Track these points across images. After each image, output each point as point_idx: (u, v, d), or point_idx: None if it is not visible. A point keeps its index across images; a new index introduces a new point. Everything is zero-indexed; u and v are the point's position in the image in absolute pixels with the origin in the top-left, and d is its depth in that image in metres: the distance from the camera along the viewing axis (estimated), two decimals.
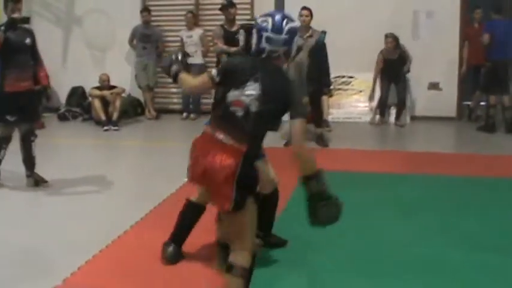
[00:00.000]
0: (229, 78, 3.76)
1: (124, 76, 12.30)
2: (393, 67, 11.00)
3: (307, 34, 9.20)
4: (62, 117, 12.15)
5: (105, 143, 10.42)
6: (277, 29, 3.68)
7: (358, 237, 5.58)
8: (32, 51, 7.17)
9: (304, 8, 9.31)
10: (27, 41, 7.08)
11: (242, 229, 3.75)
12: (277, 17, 3.72)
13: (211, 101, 4.99)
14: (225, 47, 8.94)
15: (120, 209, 6.55)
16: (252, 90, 3.65)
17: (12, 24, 6.97)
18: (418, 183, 7.26)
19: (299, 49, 9.15)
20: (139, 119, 12.11)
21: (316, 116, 9.63)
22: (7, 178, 7.40)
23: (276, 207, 5.22)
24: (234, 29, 9.14)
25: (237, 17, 11.51)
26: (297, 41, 9.07)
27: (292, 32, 3.72)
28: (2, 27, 6.90)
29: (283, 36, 3.68)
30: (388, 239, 5.52)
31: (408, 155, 8.79)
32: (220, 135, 3.66)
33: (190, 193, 4.99)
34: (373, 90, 11.27)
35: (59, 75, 12.66)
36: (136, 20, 12.03)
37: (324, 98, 10.47)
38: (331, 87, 10.97)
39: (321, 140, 9.42)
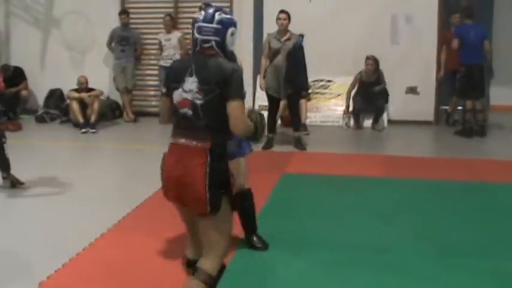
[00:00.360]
0: (173, 81, 3.77)
1: (103, 78, 12.25)
2: (368, 88, 11.10)
3: (285, 37, 9.23)
4: (40, 119, 12.08)
5: (83, 145, 10.40)
6: (207, 18, 3.67)
7: (334, 239, 5.63)
8: None
9: (282, 11, 9.32)
10: None
11: (215, 234, 3.68)
12: (210, 9, 3.72)
13: None
14: None
15: (98, 212, 6.53)
16: (190, 84, 3.64)
17: None
18: (396, 186, 7.31)
19: (276, 52, 9.22)
20: (118, 121, 12.07)
21: (294, 119, 9.67)
22: None
23: (253, 207, 5.30)
24: None
25: None
26: (274, 44, 9.16)
27: (225, 23, 3.67)
28: None
29: (214, 25, 3.65)
30: (363, 243, 5.55)
31: (385, 159, 8.84)
32: (182, 140, 3.67)
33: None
34: (347, 107, 11.34)
35: (37, 78, 12.70)
36: (116, 22, 12.00)
37: (302, 101, 10.50)
38: (310, 90, 11.01)
39: (299, 144, 9.45)
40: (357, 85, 11.23)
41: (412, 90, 11.62)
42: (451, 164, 8.49)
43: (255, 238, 5.36)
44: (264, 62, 9.43)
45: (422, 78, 11.52)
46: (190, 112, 3.64)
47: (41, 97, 12.74)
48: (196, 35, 3.71)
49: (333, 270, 4.96)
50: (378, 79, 11.12)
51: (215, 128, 3.63)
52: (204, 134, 3.61)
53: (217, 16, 3.68)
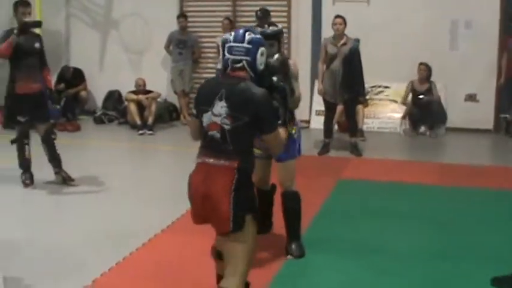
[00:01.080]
0: (202, 104, 3.81)
1: (160, 81, 12.33)
2: (420, 103, 11.00)
3: (341, 42, 9.16)
4: (98, 121, 12.23)
5: (139, 146, 10.51)
6: (238, 38, 3.78)
7: (387, 246, 5.56)
8: (40, 55, 7.39)
9: (337, 16, 9.27)
10: (37, 45, 7.35)
11: (237, 253, 3.72)
12: (239, 30, 3.85)
13: None
14: None
15: (152, 212, 6.60)
16: (219, 109, 3.69)
17: (25, 28, 7.14)
18: (452, 195, 7.18)
19: (333, 57, 9.15)
20: (174, 123, 12.13)
21: (351, 125, 9.60)
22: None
23: (299, 211, 5.31)
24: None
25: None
26: (331, 49, 9.11)
27: (255, 43, 3.78)
28: (15, 31, 7.07)
29: (245, 45, 3.75)
30: (417, 250, 5.48)
31: (441, 167, 8.66)
32: (210, 159, 3.74)
33: None
34: (405, 114, 11.24)
35: (95, 79, 12.85)
36: (173, 25, 12.08)
37: (359, 107, 10.42)
38: (367, 96, 10.92)
39: (355, 149, 9.36)
40: (410, 94, 11.09)
41: (471, 97, 11.38)
42: (510, 173, 8.28)
43: (293, 246, 5.29)
44: (321, 67, 9.39)
45: (482, 85, 11.28)
46: (218, 135, 3.71)
47: (99, 98, 12.90)
48: (227, 55, 3.80)
49: (383, 277, 4.91)
50: (429, 88, 10.95)
51: (241, 151, 3.71)
52: (231, 155, 3.68)
53: (247, 36, 3.78)
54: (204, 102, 3.77)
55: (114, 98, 12.64)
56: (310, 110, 11.65)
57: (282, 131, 4.29)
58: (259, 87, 3.72)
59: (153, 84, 11.96)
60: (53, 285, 4.81)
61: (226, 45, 3.80)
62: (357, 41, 9.20)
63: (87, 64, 12.81)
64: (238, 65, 3.77)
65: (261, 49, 3.80)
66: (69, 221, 6.38)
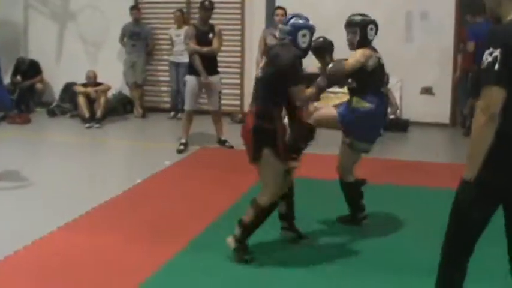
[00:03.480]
0: None
1: (116, 73, 12.14)
2: None
3: None
4: (51, 113, 12.07)
5: (82, 139, 10.28)
6: (285, 22, 5.01)
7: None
8: None
9: (278, 7, 9.16)
10: None
11: (263, 178, 4.87)
12: (290, 15, 5.06)
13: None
14: (197, 47, 8.69)
15: (54, 208, 6.43)
16: (263, 62, 4.99)
17: None
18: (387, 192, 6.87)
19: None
20: (127, 116, 11.96)
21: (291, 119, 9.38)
22: None
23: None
24: (206, 28, 8.87)
25: (228, 16, 11.37)
26: (270, 40, 8.96)
27: (294, 26, 4.87)
28: None
29: (287, 27, 4.89)
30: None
31: (388, 163, 8.40)
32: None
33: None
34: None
35: (53, 71, 12.70)
36: (128, 17, 11.89)
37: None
38: None
39: None
40: None
41: (427, 90, 11.15)
42: (457, 171, 7.93)
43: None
44: (260, 59, 9.13)
45: (438, 78, 11.04)
46: (254, 83, 5.01)
47: (57, 90, 12.73)
48: (278, 34, 5.20)
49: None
50: None
51: (263, 97, 4.82)
52: (256, 101, 4.88)
53: (291, 20, 4.94)
54: None
55: (71, 90, 12.46)
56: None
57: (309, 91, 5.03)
58: (289, 51, 4.77)
59: (109, 76, 11.82)
60: None
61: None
62: None
63: (44, 56, 12.66)
64: (285, 41, 4.92)
65: (302, 31, 4.86)
66: None
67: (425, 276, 3.94)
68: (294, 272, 4.84)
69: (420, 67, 10.99)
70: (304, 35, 4.84)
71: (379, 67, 5.51)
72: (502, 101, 3.05)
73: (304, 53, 4.90)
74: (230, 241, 4.94)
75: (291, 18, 4.92)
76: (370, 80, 5.41)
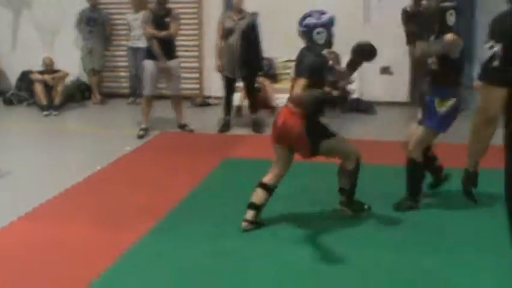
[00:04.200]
0: None
1: (73, 60, 11.96)
2: None
3: (239, 16, 8.92)
4: (7, 102, 11.90)
5: (41, 128, 10.14)
6: (299, 23, 5.25)
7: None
8: None
9: None
10: None
11: (338, 153, 5.35)
12: (305, 14, 5.28)
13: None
14: (154, 32, 8.63)
15: (10, 198, 6.38)
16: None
17: None
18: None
19: (230, 32, 8.91)
20: (86, 103, 11.83)
21: (251, 101, 9.38)
22: None
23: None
24: (163, 12, 8.80)
25: (184, 5, 11.27)
26: (228, 23, 8.95)
27: (308, 26, 5.20)
28: None
29: (303, 29, 5.25)
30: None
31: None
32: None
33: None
34: None
35: (9, 58, 12.48)
36: (85, 3, 11.73)
37: (267, 83, 10.23)
38: (275, 71, 10.73)
39: (256, 126, 9.16)
40: None
41: (385, 70, 11.20)
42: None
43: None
44: (219, 42, 9.12)
45: (395, 57, 11.08)
46: None
47: (13, 79, 12.51)
48: None
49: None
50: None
51: None
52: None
53: (304, 20, 5.23)
54: None
55: (27, 78, 12.27)
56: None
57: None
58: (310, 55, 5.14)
59: (66, 63, 11.69)
60: None
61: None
62: (255, 15, 8.98)
63: (0, 43, 12.45)
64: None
65: (316, 30, 5.17)
66: None
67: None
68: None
69: (378, 47, 10.99)
70: (318, 33, 5.17)
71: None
72: (502, 101, 2.86)
73: (326, 46, 5.30)
74: (345, 210, 5.56)
75: (304, 19, 5.20)
76: None
